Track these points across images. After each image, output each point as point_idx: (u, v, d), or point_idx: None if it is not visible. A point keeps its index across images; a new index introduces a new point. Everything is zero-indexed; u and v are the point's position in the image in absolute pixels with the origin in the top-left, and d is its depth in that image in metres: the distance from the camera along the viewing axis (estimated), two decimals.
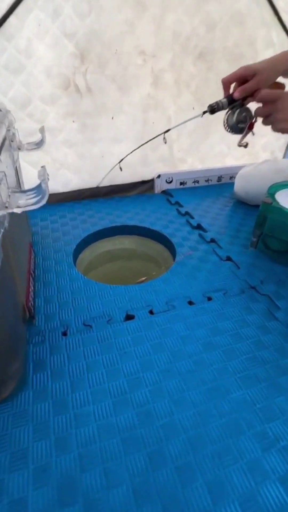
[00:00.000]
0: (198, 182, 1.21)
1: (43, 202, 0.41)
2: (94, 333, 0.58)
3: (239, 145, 0.73)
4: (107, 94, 0.95)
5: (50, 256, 0.80)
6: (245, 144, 0.72)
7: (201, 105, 1.04)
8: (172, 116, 1.05)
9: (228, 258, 0.80)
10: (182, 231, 0.92)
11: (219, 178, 1.24)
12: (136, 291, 0.68)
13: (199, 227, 0.94)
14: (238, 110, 0.69)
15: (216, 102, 0.69)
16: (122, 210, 1.04)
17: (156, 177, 1.15)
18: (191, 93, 1.02)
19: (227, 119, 0.71)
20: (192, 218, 0.98)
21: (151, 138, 0.85)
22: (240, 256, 0.80)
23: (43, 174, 0.45)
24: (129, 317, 0.62)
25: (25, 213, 0.76)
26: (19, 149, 0.62)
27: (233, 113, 0.70)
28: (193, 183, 1.22)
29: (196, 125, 1.08)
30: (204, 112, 0.70)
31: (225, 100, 0.69)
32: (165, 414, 0.45)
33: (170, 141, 1.09)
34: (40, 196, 0.41)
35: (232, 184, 1.22)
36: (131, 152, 0.90)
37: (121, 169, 0.86)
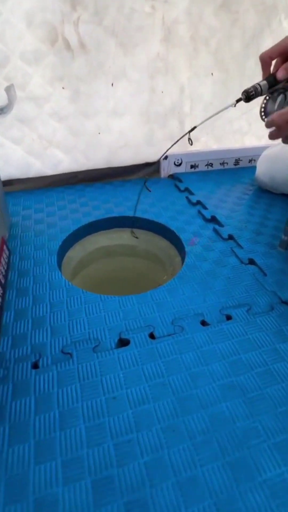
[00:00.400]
0: (211, 165, 1.04)
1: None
2: (74, 366, 0.43)
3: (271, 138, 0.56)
4: (106, 53, 0.77)
5: (30, 254, 0.65)
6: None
7: (222, 71, 0.85)
8: (185, 84, 0.86)
9: (251, 261, 0.63)
10: (193, 225, 0.75)
11: (237, 161, 1.06)
12: (133, 303, 0.53)
13: (213, 220, 0.77)
14: (281, 96, 0.52)
15: (254, 86, 0.51)
16: (122, 197, 0.87)
17: (163, 159, 0.98)
18: (210, 54, 0.82)
19: (265, 107, 0.54)
20: (205, 208, 0.82)
21: (176, 140, 0.65)
22: (266, 258, 0.63)
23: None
24: (122, 342, 0.47)
25: None
26: None
27: (275, 99, 0.52)
28: (206, 167, 1.04)
29: (214, 95, 0.89)
30: (238, 101, 0.53)
31: (264, 82, 0.51)
32: (168, 508, 0.31)
33: (181, 115, 0.91)
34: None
35: (252, 168, 1.04)
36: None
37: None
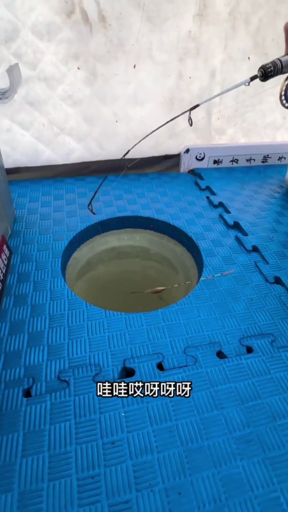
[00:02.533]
0: (237, 161, 0.94)
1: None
2: (71, 398, 0.38)
3: None
4: (129, 27, 0.67)
5: (32, 255, 0.59)
6: None
7: (261, 54, 0.74)
8: (217, 68, 0.76)
9: (277, 280, 0.56)
10: (213, 231, 0.68)
11: (265, 158, 0.96)
12: (142, 324, 0.47)
13: (236, 226, 0.70)
14: None
15: (273, 62, 0.43)
16: (136, 193, 0.80)
17: (184, 152, 0.89)
18: (249, 35, 0.71)
19: (286, 89, 0.46)
20: (228, 212, 0.74)
21: (174, 116, 0.57)
22: None
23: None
24: (127, 372, 0.42)
25: None
26: None
27: None
28: (231, 163, 0.95)
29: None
30: (253, 78, 0.44)
31: (286, 58, 0.42)
32: None
33: (209, 104, 0.81)
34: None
35: (281, 167, 0.94)
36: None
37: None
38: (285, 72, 0.44)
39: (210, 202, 0.78)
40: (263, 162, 0.96)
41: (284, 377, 0.41)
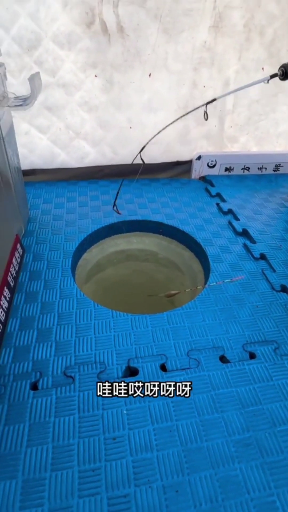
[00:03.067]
0: (248, 169, 0.95)
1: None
2: (75, 393, 0.39)
3: None
4: (146, 38, 0.70)
5: (44, 254, 0.61)
6: None
7: (275, 65, 0.75)
8: (231, 78, 0.77)
9: (284, 289, 0.56)
10: (221, 238, 0.69)
11: (277, 167, 0.96)
12: (147, 325, 0.48)
13: (245, 233, 0.70)
14: None
15: None
16: (147, 197, 0.81)
17: (196, 159, 0.90)
18: (263, 46, 0.73)
19: None
20: (237, 219, 0.74)
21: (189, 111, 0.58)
22: None
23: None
24: (131, 371, 0.43)
25: (13, 191, 0.57)
26: None
27: None
28: (242, 170, 0.95)
29: (262, 91, 0.80)
30: (273, 76, 0.45)
31: None
32: None
33: (222, 112, 0.82)
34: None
35: None
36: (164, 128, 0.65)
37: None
38: None
39: (220, 209, 0.79)
40: (274, 171, 0.97)
41: (286, 384, 0.41)
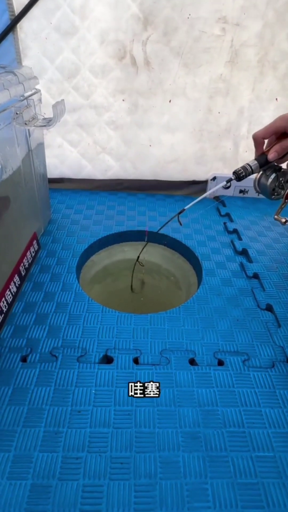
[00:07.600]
0: None
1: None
2: (55, 370, 0.46)
3: (276, 219, 0.56)
4: (168, 71, 0.78)
5: (56, 252, 0.70)
6: (284, 220, 0.54)
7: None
8: (245, 107, 0.83)
9: (269, 308, 0.59)
10: (220, 255, 0.72)
11: None
12: (130, 323, 0.54)
13: (244, 252, 0.73)
14: (273, 175, 0.51)
15: (244, 167, 0.50)
16: (159, 212, 0.88)
17: (211, 179, 0.95)
18: (277, 79, 0.78)
19: (259, 180, 0.54)
20: (240, 239, 0.78)
21: (166, 221, 0.62)
22: (287, 308, 0.58)
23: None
24: (107, 359, 0.48)
25: (36, 195, 0.67)
26: (25, 124, 0.51)
27: (267, 177, 0.51)
28: (256, 193, 0.98)
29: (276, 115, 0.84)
30: (228, 181, 0.52)
31: (255, 163, 0.50)
32: None
33: (237, 137, 0.87)
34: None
35: None
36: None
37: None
38: (255, 173, 0.51)
39: (226, 228, 0.83)
40: None
41: (245, 393, 0.44)
